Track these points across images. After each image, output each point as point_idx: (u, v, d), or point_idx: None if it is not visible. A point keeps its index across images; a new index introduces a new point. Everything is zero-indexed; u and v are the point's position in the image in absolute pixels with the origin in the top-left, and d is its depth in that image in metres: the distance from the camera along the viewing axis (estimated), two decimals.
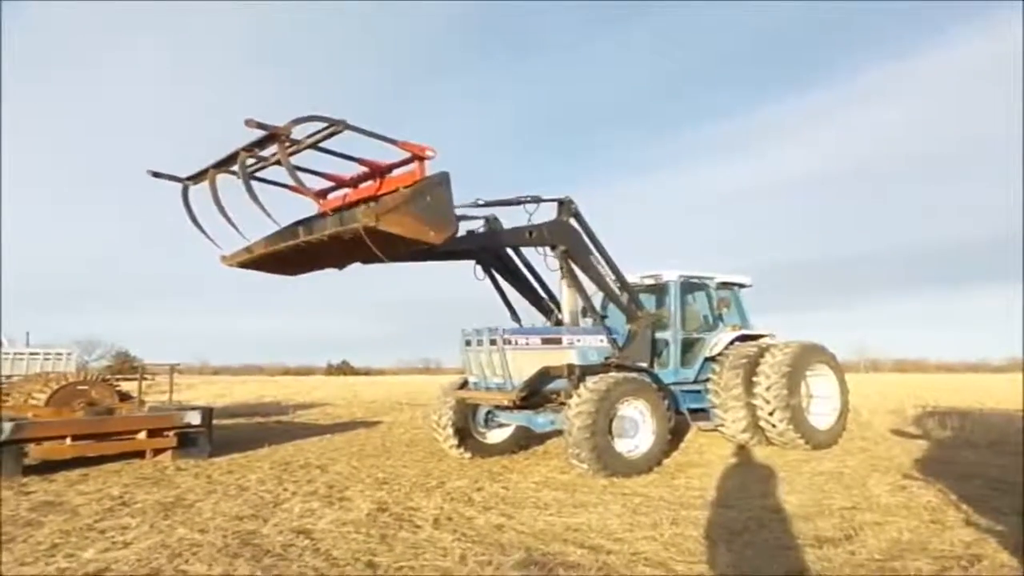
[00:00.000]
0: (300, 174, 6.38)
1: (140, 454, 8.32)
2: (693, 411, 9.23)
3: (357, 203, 6.84)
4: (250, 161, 5.98)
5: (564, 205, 8.25)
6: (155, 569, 4.06)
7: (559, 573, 3.92)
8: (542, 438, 9.64)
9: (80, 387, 10.50)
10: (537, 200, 8.19)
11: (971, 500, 5.84)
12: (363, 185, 6.92)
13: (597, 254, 8.44)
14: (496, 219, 8.48)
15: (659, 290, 9.88)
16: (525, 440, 9.37)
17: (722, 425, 9.32)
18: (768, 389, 8.98)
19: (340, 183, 7.05)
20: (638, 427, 7.65)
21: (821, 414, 9.71)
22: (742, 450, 9.14)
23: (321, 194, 7.19)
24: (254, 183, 5.97)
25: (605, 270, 8.55)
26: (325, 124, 5.60)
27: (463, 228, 7.89)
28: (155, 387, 16.69)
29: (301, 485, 6.86)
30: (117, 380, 13.13)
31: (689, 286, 9.92)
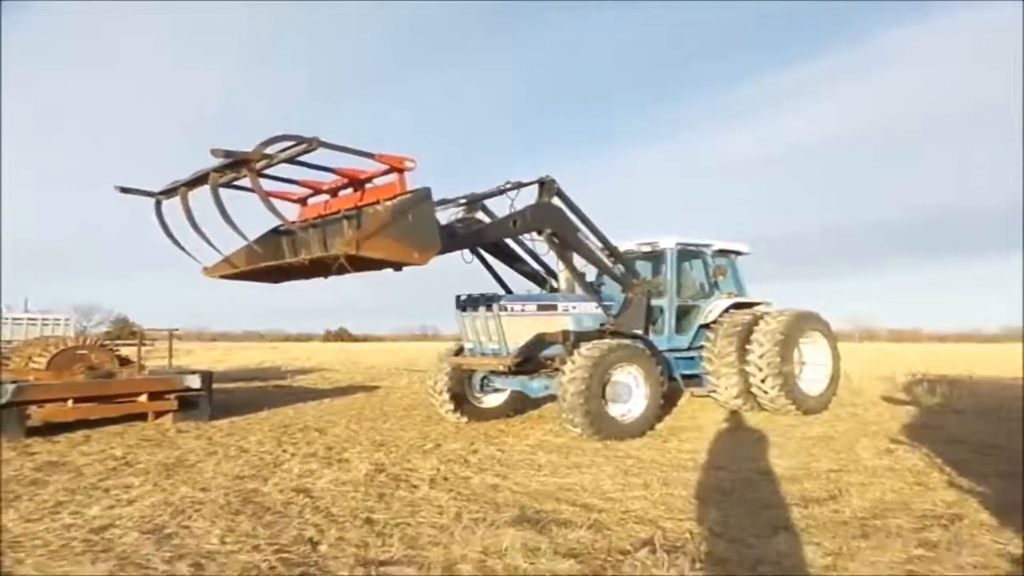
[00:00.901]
0: (277, 184, 6.40)
1: (142, 417, 8.45)
2: (687, 377, 9.35)
3: (338, 212, 6.78)
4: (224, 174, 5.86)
5: (545, 186, 8.03)
6: (159, 525, 4.17)
7: (552, 529, 4.04)
8: (537, 403, 9.77)
9: (79, 351, 10.58)
10: (519, 185, 8.05)
11: (955, 463, 5.98)
12: (343, 193, 6.84)
13: (585, 229, 8.37)
14: (478, 202, 8.41)
15: (655, 257, 9.93)
16: (520, 405, 9.51)
17: (715, 391, 9.47)
18: (761, 357, 9.10)
19: (319, 191, 6.94)
20: (631, 392, 7.77)
21: (813, 380, 9.86)
22: (734, 415, 9.29)
23: (301, 200, 7.08)
24: (232, 190, 5.90)
25: (594, 244, 8.55)
26: (296, 142, 5.42)
27: (443, 216, 7.92)
28: (154, 352, 16.77)
29: (300, 447, 6.99)
30: (116, 345, 13.21)
31: (686, 254, 9.96)
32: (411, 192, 6.19)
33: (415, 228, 5.94)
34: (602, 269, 8.83)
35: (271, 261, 6.70)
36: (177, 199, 6.14)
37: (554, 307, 8.33)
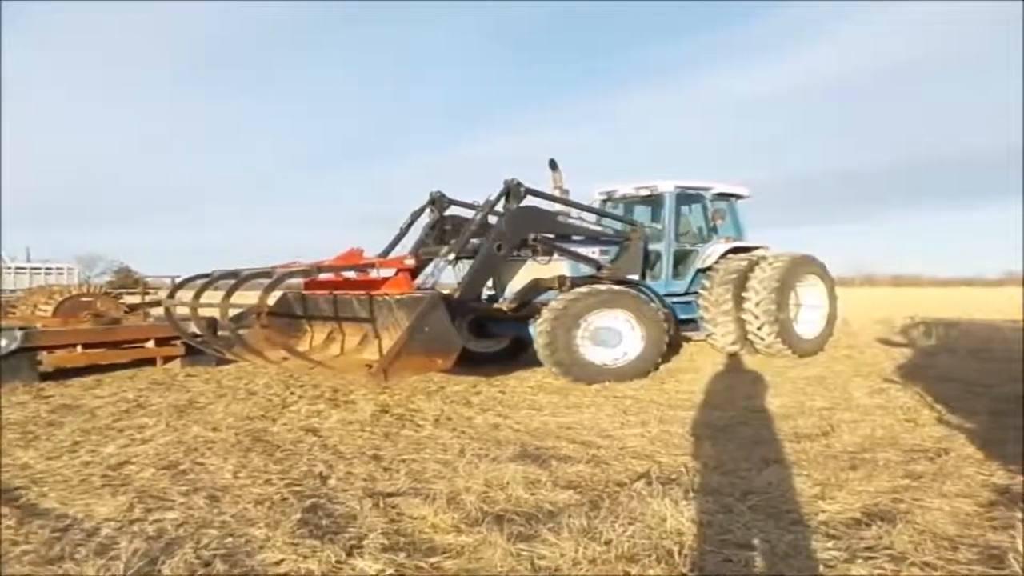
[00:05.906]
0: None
1: (150, 362, 8.60)
2: (683, 321, 9.46)
3: (347, 293, 6.89)
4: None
5: (512, 191, 7.70)
6: (174, 462, 4.33)
7: (552, 464, 4.20)
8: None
9: (84, 299, 10.68)
10: (490, 206, 7.77)
11: (946, 401, 6.11)
12: (347, 274, 6.89)
13: (563, 208, 8.33)
14: (443, 201, 8.59)
15: (654, 201, 9.90)
16: (519, 349, 9.63)
17: (711, 336, 9.60)
18: (757, 304, 9.18)
19: (321, 268, 6.87)
20: (622, 336, 7.85)
21: (809, 323, 9.99)
22: (731, 358, 9.45)
23: (304, 272, 7.01)
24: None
25: (577, 218, 8.55)
26: (300, 269, 6.42)
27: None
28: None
29: (307, 389, 7.14)
30: (120, 293, 13.30)
31: (685, 197, 9.93)
32: (419, 294, 6.25)
33: (435, 338, 5.95)
34: (597, 237, 8.80)
35: (296, 349, 6.66)
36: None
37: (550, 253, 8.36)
